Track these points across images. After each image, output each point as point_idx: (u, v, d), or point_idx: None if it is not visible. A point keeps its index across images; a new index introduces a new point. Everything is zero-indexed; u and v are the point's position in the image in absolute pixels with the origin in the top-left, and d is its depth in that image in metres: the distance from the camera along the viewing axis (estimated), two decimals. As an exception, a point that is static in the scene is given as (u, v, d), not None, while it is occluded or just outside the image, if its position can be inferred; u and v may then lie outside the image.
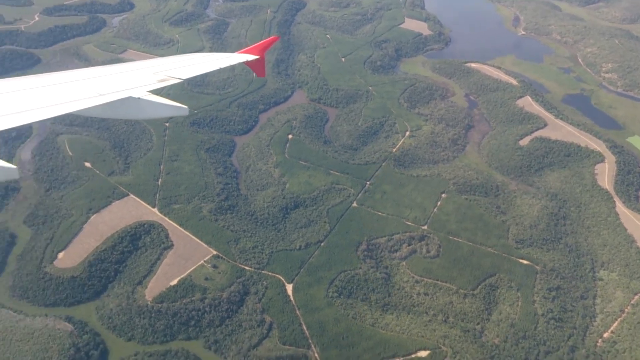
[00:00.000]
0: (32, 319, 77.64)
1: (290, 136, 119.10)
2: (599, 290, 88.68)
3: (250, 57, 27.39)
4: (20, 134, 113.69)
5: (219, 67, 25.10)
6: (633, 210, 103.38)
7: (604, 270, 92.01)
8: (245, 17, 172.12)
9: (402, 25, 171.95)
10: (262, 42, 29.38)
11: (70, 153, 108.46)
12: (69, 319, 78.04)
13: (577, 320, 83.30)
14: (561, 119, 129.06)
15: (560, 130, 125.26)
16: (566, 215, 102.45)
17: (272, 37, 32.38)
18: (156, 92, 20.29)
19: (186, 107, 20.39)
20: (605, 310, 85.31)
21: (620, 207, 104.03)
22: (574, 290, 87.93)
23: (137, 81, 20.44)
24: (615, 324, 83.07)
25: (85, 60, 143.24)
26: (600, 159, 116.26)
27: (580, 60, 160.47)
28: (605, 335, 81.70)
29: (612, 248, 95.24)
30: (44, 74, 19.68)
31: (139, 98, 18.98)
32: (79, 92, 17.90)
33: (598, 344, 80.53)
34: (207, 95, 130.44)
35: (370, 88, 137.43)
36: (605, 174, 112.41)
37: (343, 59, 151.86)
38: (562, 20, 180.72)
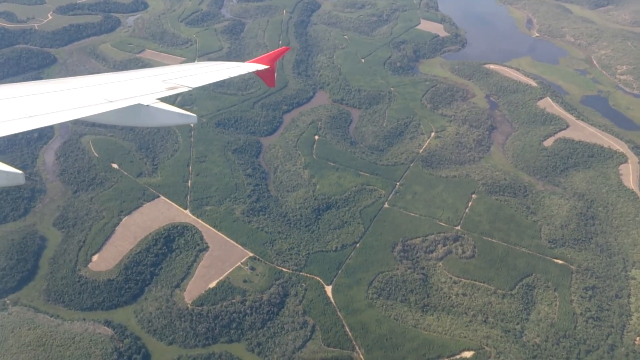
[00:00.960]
0: (71, 323, 76.69)
1: (316, 137, 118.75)
2: (632, 289, 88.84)
3: (260, 67, 27.36)
4: (42, 135, 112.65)
5: (229, 76, 25.03)
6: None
7: (636, 269, 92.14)
8: (261, 17, 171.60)
9: (418, 27, 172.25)
10: (272, 52, 29.28)
11: (96, 154, 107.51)
12: (108, 323, 77.14)
13: (614, 319, 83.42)
14: (582, 120, 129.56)
15: (582, 131, 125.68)
16: (594, 215, 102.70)
17: (283, 47, 32.19)
18: (166, 99, 20.21)
19: (195, 115, 20.03)
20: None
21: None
22: (608, 289, 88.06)
23: (147, 88, 20.26)
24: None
25: (102, 60, 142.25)
26: (624, 159, 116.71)
27: (595, 62, 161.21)
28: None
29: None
30: (52, 80, 19.77)
31: (148, 105, 18.85)
32: (88, 99, 17.88)
33: (636, 342, 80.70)
34: (230, 96, 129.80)
35: (392, 89, 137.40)
36: (630, 175, 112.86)
37: (363, 60, 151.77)
38: (575, 22, 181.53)
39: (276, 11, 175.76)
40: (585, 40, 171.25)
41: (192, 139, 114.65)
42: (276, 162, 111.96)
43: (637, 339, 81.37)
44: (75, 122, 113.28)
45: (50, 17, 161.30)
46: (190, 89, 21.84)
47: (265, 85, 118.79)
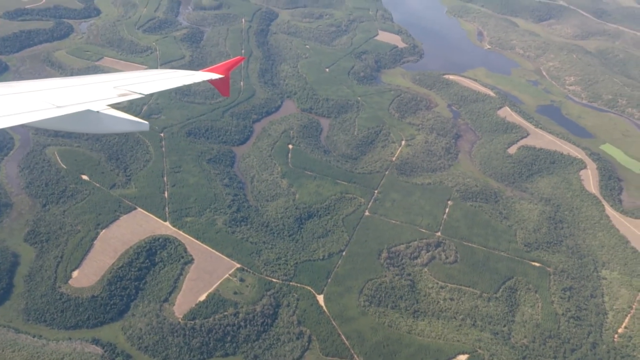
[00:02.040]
0: (57, 343, 72.47)
1: (290, 146, 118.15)
2: (605, 289, 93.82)
3: (215, 76, 27.24)
4: (2, 146, 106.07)
5: (182, 84, 25.13)
6: (620, 212, 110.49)
7: (605, 269, 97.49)
8: (220, 25, 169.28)
9: (376, 38, 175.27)
10: (227, 61, 29.20)
11: (63, 166, 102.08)
12: (96, 342, 73.52)
13: (592, 318, 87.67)
14: (540, 128, 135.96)
15: (542, 139, 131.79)
16: (562, 219, 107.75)
17: (238, 57, 32.90)
18: (118, 107, 20.06)
19: (147, 122, 20.06)
20: (614, 307, 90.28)
21: (609, 210, 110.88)
22: (583, 289, 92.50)
23: (97, 94, 19.82)
24: (627, 320, 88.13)
25: (58, 68, 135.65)
26: (583, 165, 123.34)
27: (544, 73, 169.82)
28: (620, 330, 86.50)
29: (610, 249, 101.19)
30: None
31: (97, 112, 18.55)
32: (35, 103, 17.33)
33: (615, 340, 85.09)
34: (198, 105, 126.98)
35: (359, 98, 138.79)
36: (590, 180, 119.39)
37: (327, 70, 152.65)
38: (522, 35, 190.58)
39: (235, 20, 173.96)
40: (533, 53, 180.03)
41: (163, 149, 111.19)
42: (252, 171, 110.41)
43: (616, 336, 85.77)
44: (36, 131, 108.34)
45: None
46: (143, 95, 21.44)
47: (233, 94, 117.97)
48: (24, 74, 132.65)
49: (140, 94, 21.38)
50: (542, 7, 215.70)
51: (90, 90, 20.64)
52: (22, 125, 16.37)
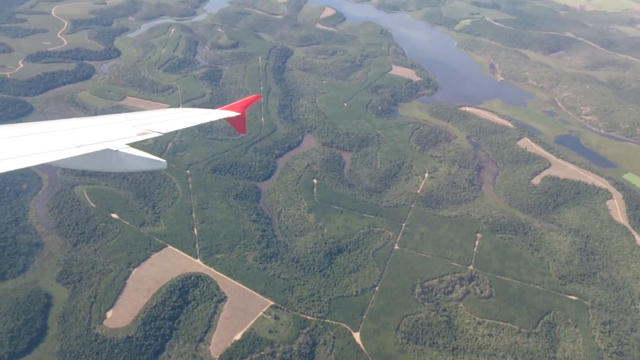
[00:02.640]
0: (94, 386, 71.06)
1: (315, 180, 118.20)
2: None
3: (232, 114, 27.51)
4: (31, 186, 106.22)
5: (200, 122, 25.34)
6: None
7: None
8: (237, 64, 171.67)
9: (391, 72, 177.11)
10: (244, 99, 29.45)
11: (92, 204, 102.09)
12: (134, 384, 72.05)
13: (635, 353, 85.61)
14: (562, 158, 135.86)
15: (564, 169, 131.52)
16: (593, 250, 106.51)
17: (254, 95, 33.06)
18: (143, 144, 20.50)
19: (164, 161, 20.46)
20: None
21: (639, 240, 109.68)
22: (623, 323, 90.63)
23: (116, 134, 19.97)
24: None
25: (82, 108, 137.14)
26: (609, 195, 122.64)
27: (559, 104, 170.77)
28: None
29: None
30: (21, 124, 19.47)
31: (117, 150, 18.95)
32: (56, 143, 17.58)
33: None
34: (222, 142, 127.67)
35: (379, 131, 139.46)
36: (618, 210, 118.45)
37: (345, 104, 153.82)
38: (534, 67, 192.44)
39: (251, 58, 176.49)
40: (546, 84, 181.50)
41: (190, 186, 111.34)
42: (278, 206, 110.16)
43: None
44: (63, 170, 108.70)
45: (22, 66, 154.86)
46: (161, 134, 21.55)
47: (254, 130, 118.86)
48: (49, 115, 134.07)
49: (158, 132, 21.53)
50: (551, 39, 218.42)
51: (109, 129, 20.87)
52: (44, 165, 16.44)
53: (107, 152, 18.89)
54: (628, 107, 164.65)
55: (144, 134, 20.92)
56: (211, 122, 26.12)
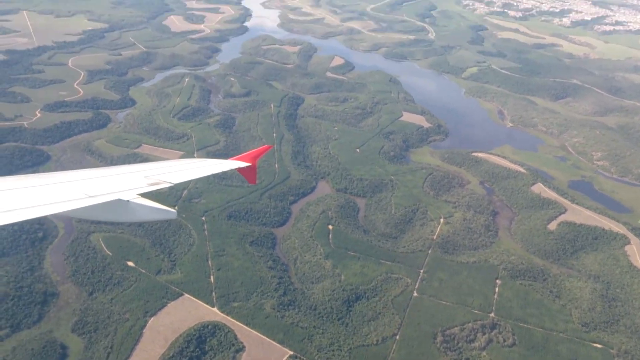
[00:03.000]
0: None
1: (330, 227, 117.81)
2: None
3: (243, 164, 27.69)
4: (47, 234, 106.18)
5: (211, 173, 25.75)
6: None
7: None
8: (250, 112, 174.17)
9: (401, 119, 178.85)
10: (254, 150, 29.74)
11: (108, 252, 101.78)
12: None
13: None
14: (577, 203, 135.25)
15: (580, 215, 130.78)
16: (615, 297, 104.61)
17: (265, 146, 33.52)
18: (160, 192, 20.59)
19: (174, 211, 20.58)
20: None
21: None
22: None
23: (128, 184, 20.17)
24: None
25: (98, 156, 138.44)
26: (627, 241, 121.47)
27: (570, 149, 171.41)
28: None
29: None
30: (33, 175, 19.93)
31: (128, 201, 19.16)
32: (68, 193, 17.81)
33: None
34: (236, 188, 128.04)
35: (392, 177, 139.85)
36: (637, 255, 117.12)
37: (358, 150, 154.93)
38: (543, 113, 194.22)
39: (263, 105, 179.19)
40: (556, 130, 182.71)
41: (206, 232, 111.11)
42: (294, 253, 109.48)
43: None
44: (79, 219, 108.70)
45: (39, 115, 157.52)
46: (172, 184, 21.74)
47: (268, 176, 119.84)
48: (65, 163, 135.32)
49: (170, 183, 21.76)
50: (558, 86, 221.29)
51: (121, 180, 21.05)
52: (55, 215, 16.67)
53: (119, 202, 19.08)
54: (639, 152, 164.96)
55: (155, 184, 21.11)
56: (216, 174, 26.25)
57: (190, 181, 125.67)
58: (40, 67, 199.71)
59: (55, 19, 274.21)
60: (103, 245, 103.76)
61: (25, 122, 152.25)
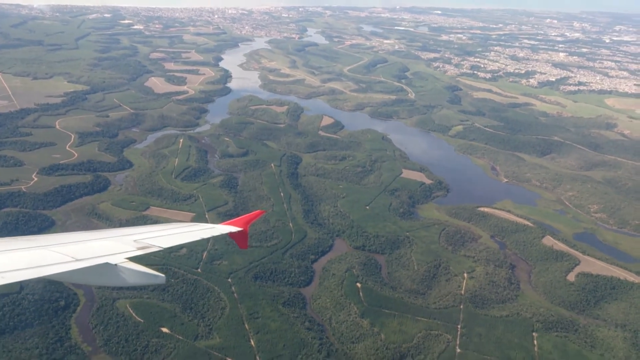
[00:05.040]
0: None
1: (358, 284, 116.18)
2: None
3: (234, 229, 27.52)
4: (68, 303, 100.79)
5: (201, 237, 25.51)
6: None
7: None
8: (251, 171, 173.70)
9: (402, 176, 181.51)
10: (247, 215, 30.01)
11: (139, 319, 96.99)
12: None
13: None
14: (588, 255, 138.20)
15: (593, 266, 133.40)
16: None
17: (258, 210, 34.53)
18: (137, 259, 20.42)
19: (163, 275, 20.21)
20: None
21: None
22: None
23: (117, 248, 20.33)
24: None
25: (106, 220, 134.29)
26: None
27: (567, 202, 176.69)
28: None
29: None
30: (20, 237, 19.90)
31: (115, 265, 18.91)
32: (55, 256, 17.80)
33: None
34: (256, 249, 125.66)
35: (407, 234, 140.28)
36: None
37: (367, 207, 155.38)
38: (534, 169, 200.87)
39: (264, 165, 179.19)
40: (549, 184, 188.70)
41: (235, 295, 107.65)
42: (327, 312, 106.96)
43: None
44: (99, 286, 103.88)
45: (36, 179, 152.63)
46: (161, 249, 21.77)
47: (285, 235, 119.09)
48: (71, 228, 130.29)
49: (159, 247, 21.61)
50: (542, 143, 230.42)
51: (110, 243, 20.92)
52: (43, 278, 16.31)
53: (107, 266, 18.62)
54: (632, 204, 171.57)
55: (144, 248, 20.94)
56: (207, 239, 25.87)
57: (208, 242, 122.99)
58: (27, 129, 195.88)
59: (32, 81, 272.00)
60: (132, 311, 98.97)
61: (23, 187, 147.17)
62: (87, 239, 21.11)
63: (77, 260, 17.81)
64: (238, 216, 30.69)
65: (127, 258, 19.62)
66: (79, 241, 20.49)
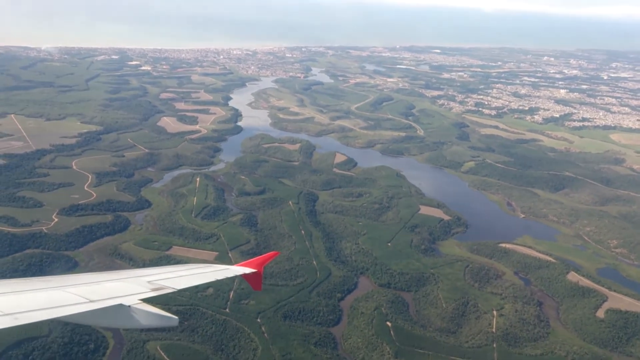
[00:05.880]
0: None
1: (388, 323, 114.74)
2: None
3: (249, 270, 27.43)
4: (98, 345, 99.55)
5: (216, 278, 25.66)
6: None
7: None
8: (269, 209, 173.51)
9: (420, 212, 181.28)
10: (261, 256, 30.05)
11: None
12: None
13: None
14: (614, 291, 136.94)
15: (622, 302, 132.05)
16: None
17: (273, 252, 34.51)
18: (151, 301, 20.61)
19: (176, 317, 20.48)
20: None
21: None
22: None
23: (130, 289, 20.46)
24: None
25: (129, 260, 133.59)
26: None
27: (586, 238, 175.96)
28: None
29: None
30: (34, 278, 20.17)
31: (129, 306, 19.05)
32: (68, 297, 17.95)
33: None
34: (282, 287, 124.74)
35: (432, 271, 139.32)
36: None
37: (389, 245, 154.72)
38: (549, 204, 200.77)
39: (281, 203, 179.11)
40: (567, 219, 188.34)
41: (265, 335, 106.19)
42: (360, 353, 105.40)
43: None
44: (112, 327, 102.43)
45: (56, 220, 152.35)
46: (175, 290, 21.88)
47: (310, 274, 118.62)
48: (94, 269, 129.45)
49: (173, 288, 21.77)
50: (554, 178, 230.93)
51: (124, 284, 21.07)
52: (57, 319, 16.50)
53: (120, 307, 18.76)
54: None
55: (158, 289, 21.00)
56: (221, 280, 25.94)
57: (234, 282, 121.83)
58: (44, 170, 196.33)
59: (46, 122, 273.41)
60: (163, 354, 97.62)
61: (44, 227, 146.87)
62: (101, 280, 21.29)
63: (91, 301, 17.90)
64: (261, 254, 30.80)
65: (141, 299, 19.71)
66: (93, 282, 20.63)
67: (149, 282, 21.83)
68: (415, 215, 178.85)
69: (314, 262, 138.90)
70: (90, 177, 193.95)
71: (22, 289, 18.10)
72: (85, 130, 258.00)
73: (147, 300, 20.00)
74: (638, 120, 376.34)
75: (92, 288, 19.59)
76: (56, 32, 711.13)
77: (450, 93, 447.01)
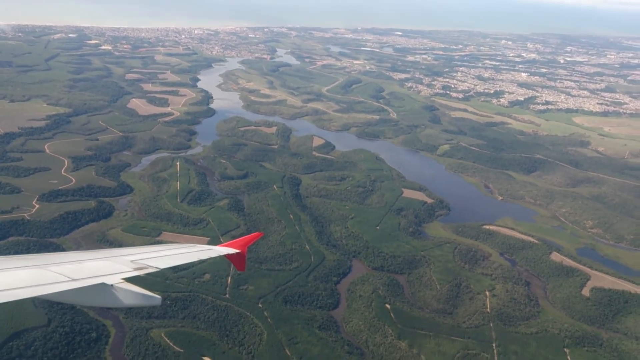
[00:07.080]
0: None
1: (387, 306, 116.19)
2: None
3: (232, 251, 27.64)
4: (100, 335, 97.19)
5: (199, 258, 26.03)
6: None
7: None
8: (254, 193, 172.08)
9: (403, 195, 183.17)
10: (245, 237, 30.50)
11: (178, 349, 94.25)
12: None
13: None
14: (595, 270, 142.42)
15: (604, 280, 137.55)
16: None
17: (256, 233, 35.49)
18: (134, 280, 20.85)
19: (159, 297, 20.48)
20: None
21: None
22: None
23: (113, 268, 20.75)
24: None
25: (119, 247, 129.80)
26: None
27: (562, 219, 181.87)
28: None
29: None
30: (15, 256, 20.19)
31: (111, 285, 19.28)
32: (50, 276, 18.09)
33: None
34: (279, 272, 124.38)
35: (422, 253, 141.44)
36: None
37: (377, 228, 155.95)
38: (525, 186, 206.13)
39: (266, 187, 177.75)
40: (542, 201, 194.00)
41: (269, 320, 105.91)
42: (362, 335, 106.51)
43: None
44: (126, 314, 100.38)
45: (37, 206, 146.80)
46: (158, 269, 22.24)
47: (305, 258, 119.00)
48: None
49: (156, 267, 21.98)
50: (526, 161, 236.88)
51: (107, 264, 21.12)
52: (38, 298, 16.81)
53: (102, 286, 18.74)
54: (624, 219, 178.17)
55: (140, 269, 21.07)
56: (204, 260, 26.24)
57: (231, 267, 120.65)
58: (16, 154, 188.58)
59: (10, 104, 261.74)
60: (169, 341, 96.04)
61: (25, 214, 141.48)
62: (84, 259, 21.02)
63: (73, 280, 17.77)
64: None
65: (124, 279, 19.54)
66: (75, 261, 20.43)
67: (131, 261, 21.69)
68: (399, 198, 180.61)
69: (307, 247, 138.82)
70: (66, 161, 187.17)
71: (4, 267, 17.80)
72: (53, 113, 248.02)
73: (130, 280, 19.72)
74: (598, 103, 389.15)
75: (74, 267, 19.41)
76: (7, 8, 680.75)
77: (417, 76, 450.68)
